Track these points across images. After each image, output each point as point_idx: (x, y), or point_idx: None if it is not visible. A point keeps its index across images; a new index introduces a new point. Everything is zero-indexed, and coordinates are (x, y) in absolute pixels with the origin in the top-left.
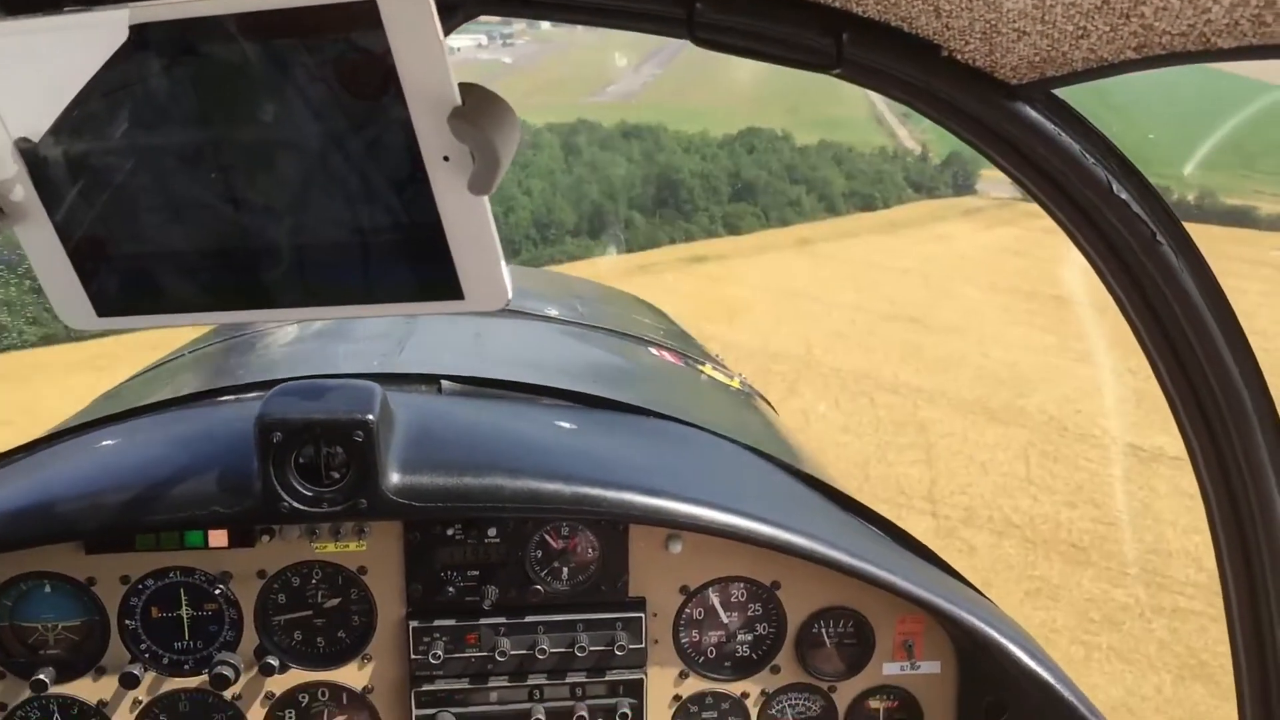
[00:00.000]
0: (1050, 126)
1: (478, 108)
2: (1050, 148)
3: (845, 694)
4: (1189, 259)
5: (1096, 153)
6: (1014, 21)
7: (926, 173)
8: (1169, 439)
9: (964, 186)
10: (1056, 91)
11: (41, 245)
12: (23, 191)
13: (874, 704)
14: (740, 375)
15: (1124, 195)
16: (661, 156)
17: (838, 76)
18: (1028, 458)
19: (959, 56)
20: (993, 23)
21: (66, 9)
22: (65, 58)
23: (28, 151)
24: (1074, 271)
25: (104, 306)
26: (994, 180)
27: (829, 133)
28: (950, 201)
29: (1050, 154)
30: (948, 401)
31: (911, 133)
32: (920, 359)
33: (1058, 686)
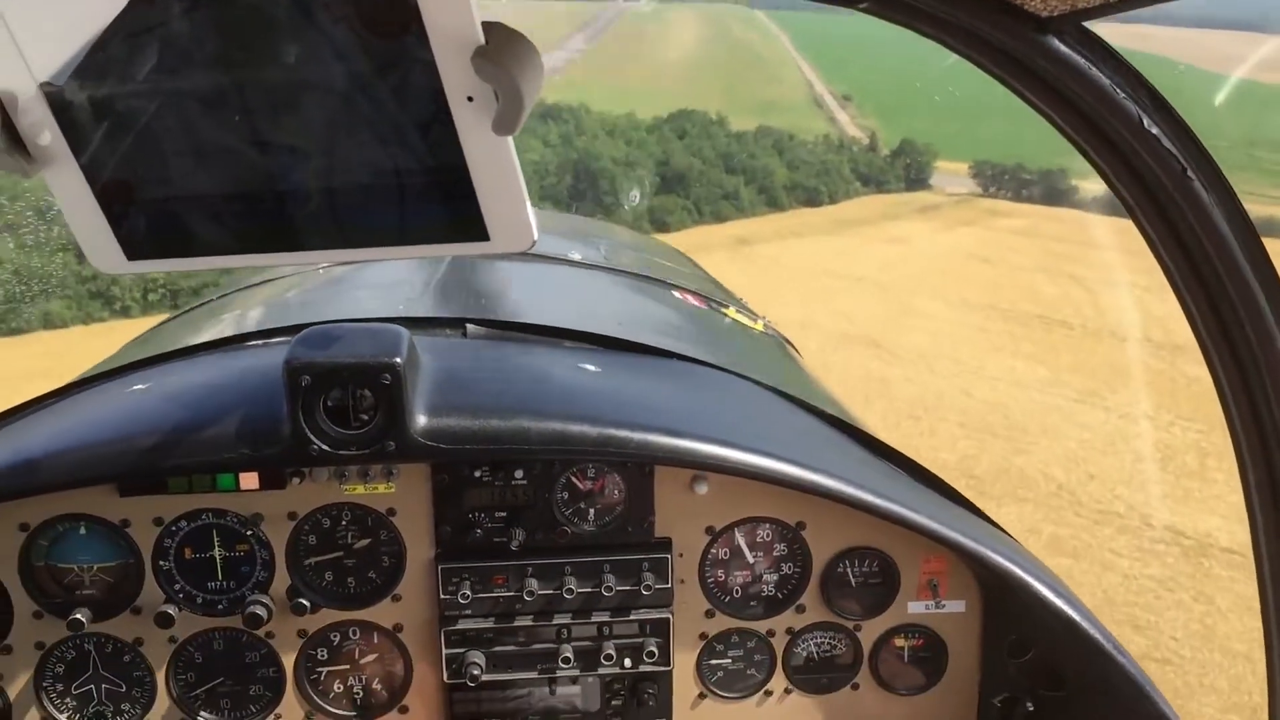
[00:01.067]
0: (1081, 60)
1: (501, 47)
2: (1081, 82)
3: (870, 632)
4: (1220, 194)
5: (1128, 87)
6: None
7: (876, 164)
8: (1218, 521)
9: (917, 180)
10: (1087, 24)
11: (70, 189)
12: (50, 136)
13: (899, 642)
14: (764, 318)
15: (1155, 130)
16: (581, 141)
17: (865, 10)
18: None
19: None
20: None
21: None
22: (89, 1)
23: (54, 95)
24: (1056, 285)
25: (134, 250)
26: (949, 174)
27: (766, 116)
28: (903, 197)
29: (1081, 88)
30: (928, 465)
31: (853, 118)
32: (888, 399)
33: (1082, 624)
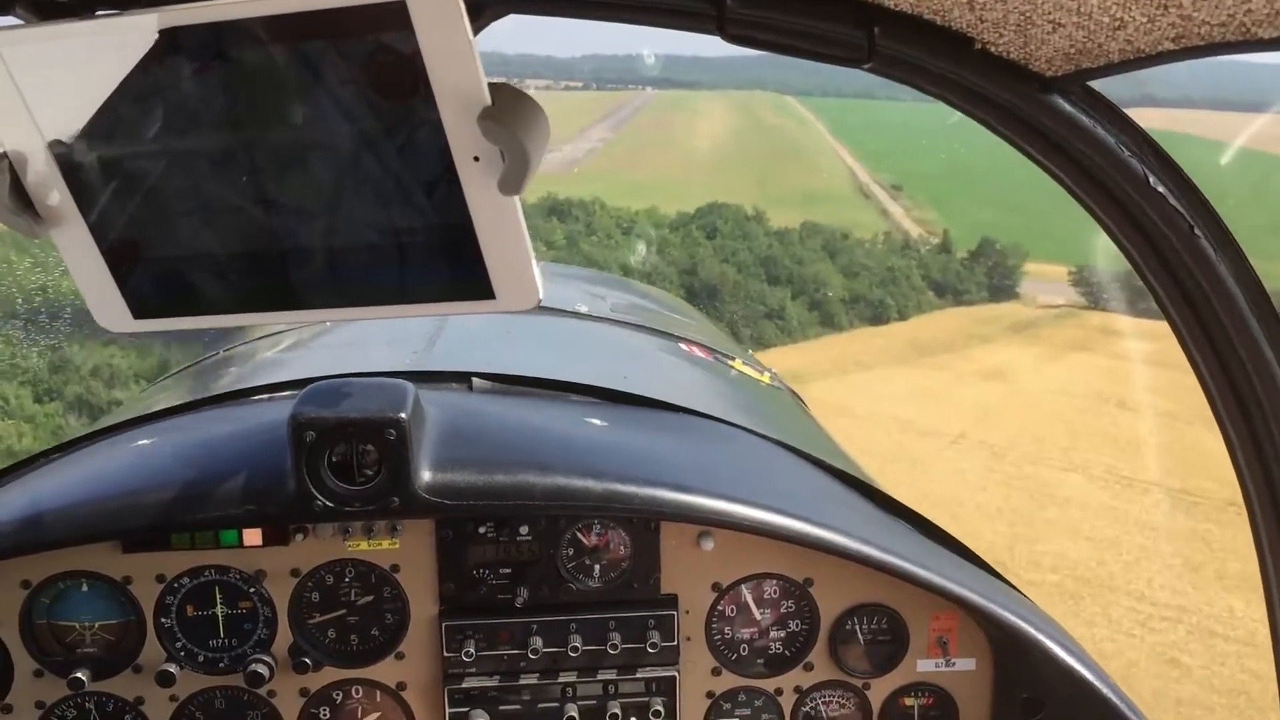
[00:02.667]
0: (1085, 119)
1: (507, 107)
2: (1086, 140)
3: (879, 691)
4: (1227, 252)
5: (1133, 145)
6: (1049, 13)
7: (951, 269)
8: None
9: (1003, 289)
10: (1092, 83)
11: (78, 249)
12: (58, 196)
13: (908, 701)
14: (771, 370)
15: (1161, 188)
16: (588, 243)
17: (869, 70)
18: None
19: (992, 49)
20: (1027, 15)
21: (99, 13)
22: (97, 62)
23: (62, 156)
24: None
25: (140, 309)
26: (1042, 280)
27: (808, 210)
28: (989, 310)
29: (1086, 147)
30: None
31: (908, 210)
32: None
33: (1095, 682)
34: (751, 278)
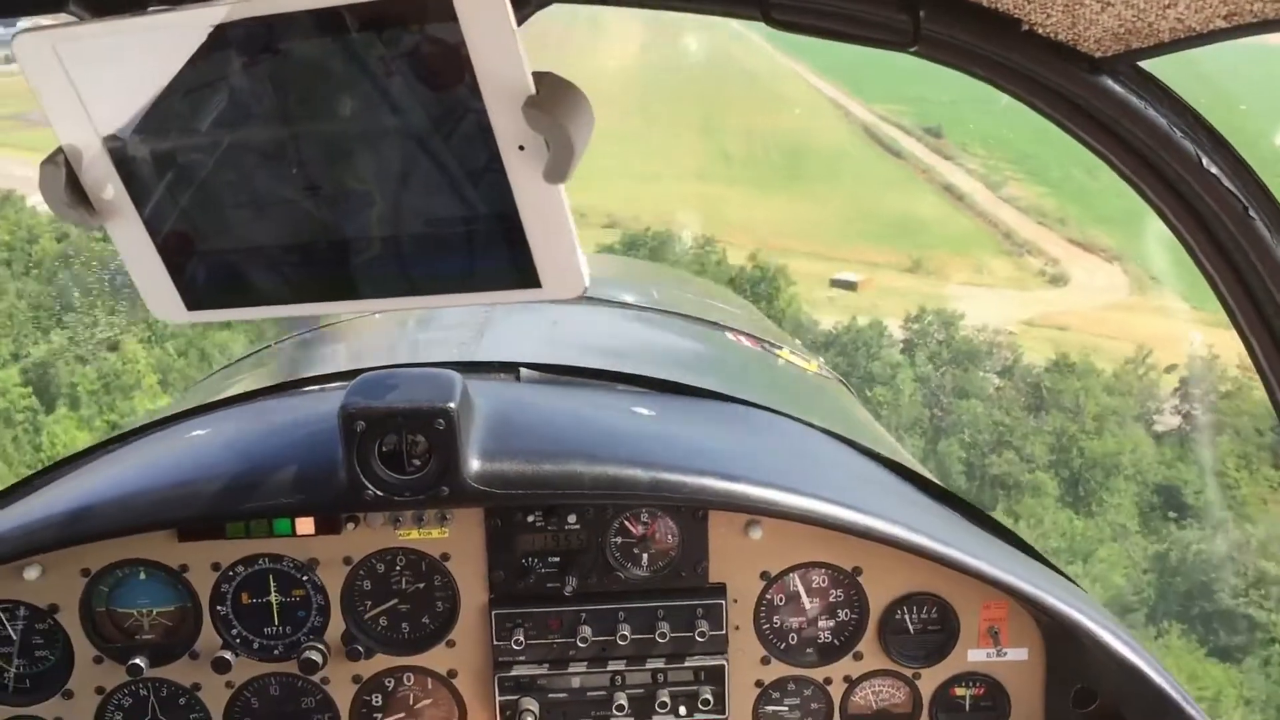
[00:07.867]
0: (1136, 100)
1: (552, 96)
2: (1137, 122)
3: (929, 681)
4: None
5: (1185, 126)
6: None
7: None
8: None
9: None
10: (1142, 63)
11: (132, 241)
12: (113, 189)
13: (959, 691)
14: (819, 359)
15: (1214, 169)
16: None
17: (915, 54)
18: None
19: (1040, 30)
20: None
21: (150, 9)
22: (149, 57)
23: (116, 150)
24: None
25: (194, 301)
26: None
27: (808, 202)
28: None
29: (1137, 128)
30: None
31: (994, 185)
32: None
33: (1149, 672)
34: None
